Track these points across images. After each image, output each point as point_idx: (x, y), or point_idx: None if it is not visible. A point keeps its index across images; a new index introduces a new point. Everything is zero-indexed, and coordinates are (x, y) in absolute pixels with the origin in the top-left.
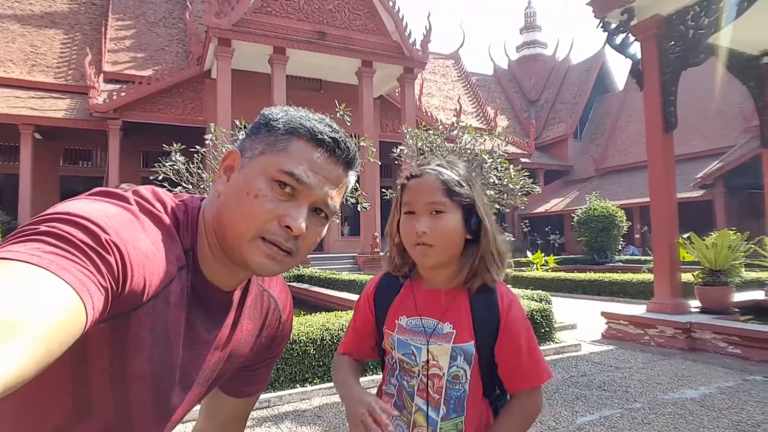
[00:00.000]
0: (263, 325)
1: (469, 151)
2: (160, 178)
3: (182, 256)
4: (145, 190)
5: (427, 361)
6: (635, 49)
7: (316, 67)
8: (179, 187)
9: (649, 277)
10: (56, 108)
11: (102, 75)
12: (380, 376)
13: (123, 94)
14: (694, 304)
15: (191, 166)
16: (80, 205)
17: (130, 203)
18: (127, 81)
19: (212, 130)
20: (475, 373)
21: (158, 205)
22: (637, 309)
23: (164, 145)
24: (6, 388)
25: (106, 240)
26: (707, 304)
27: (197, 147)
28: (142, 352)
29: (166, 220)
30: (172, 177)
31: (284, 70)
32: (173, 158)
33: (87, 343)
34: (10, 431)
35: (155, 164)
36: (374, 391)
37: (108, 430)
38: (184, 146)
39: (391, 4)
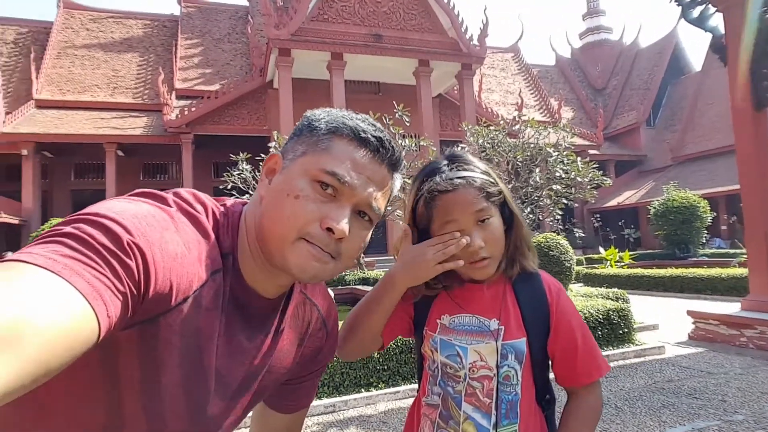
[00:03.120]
0: (306, 334)
1: (532, 146)
2: (229, 186)
3: (219, 260)
4: (186, 192)
5: (475, 362)
6: (716, 21)
7: (373, 69)
8: (246, 195)
9: (741, 271)
10: (135, 126)
11: (174, 92)
12: (416, 385)
13: (193, 109)
14: None
15: (257, 174)
16: (112, 205)
17: (168, 204)
18: (197, 96)
19: (275, 137)
20: (526, 373)
21: (198, 207)
22: (729, 307)
23: (231, 155)
24: None
25: (127, 242)
26: None
27: (262, 155)
28: (172, 358)
29: (205, 222)
30: (240, 185)
31: (342, 75)
32: (240, 167)
33: (118, 352)
34: None
35: (224, 174)
36: (411, 401)
37: None
38: (249, 155)
39: (446, 1)
